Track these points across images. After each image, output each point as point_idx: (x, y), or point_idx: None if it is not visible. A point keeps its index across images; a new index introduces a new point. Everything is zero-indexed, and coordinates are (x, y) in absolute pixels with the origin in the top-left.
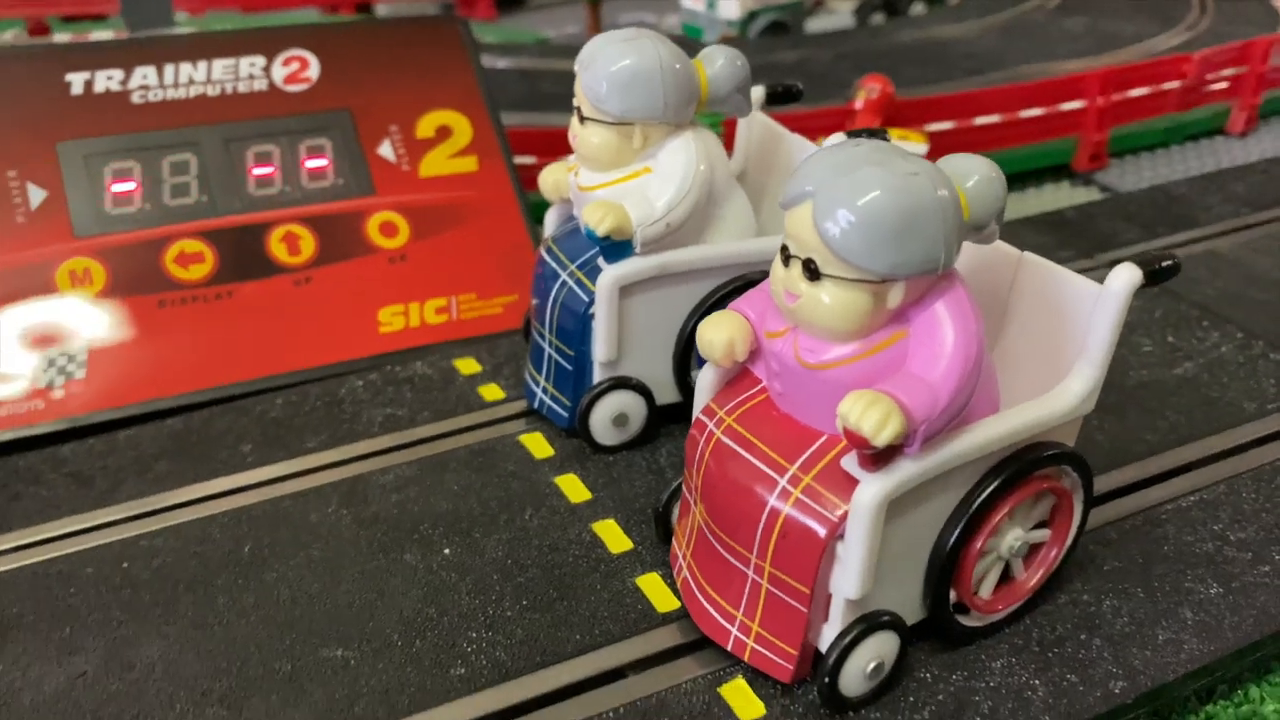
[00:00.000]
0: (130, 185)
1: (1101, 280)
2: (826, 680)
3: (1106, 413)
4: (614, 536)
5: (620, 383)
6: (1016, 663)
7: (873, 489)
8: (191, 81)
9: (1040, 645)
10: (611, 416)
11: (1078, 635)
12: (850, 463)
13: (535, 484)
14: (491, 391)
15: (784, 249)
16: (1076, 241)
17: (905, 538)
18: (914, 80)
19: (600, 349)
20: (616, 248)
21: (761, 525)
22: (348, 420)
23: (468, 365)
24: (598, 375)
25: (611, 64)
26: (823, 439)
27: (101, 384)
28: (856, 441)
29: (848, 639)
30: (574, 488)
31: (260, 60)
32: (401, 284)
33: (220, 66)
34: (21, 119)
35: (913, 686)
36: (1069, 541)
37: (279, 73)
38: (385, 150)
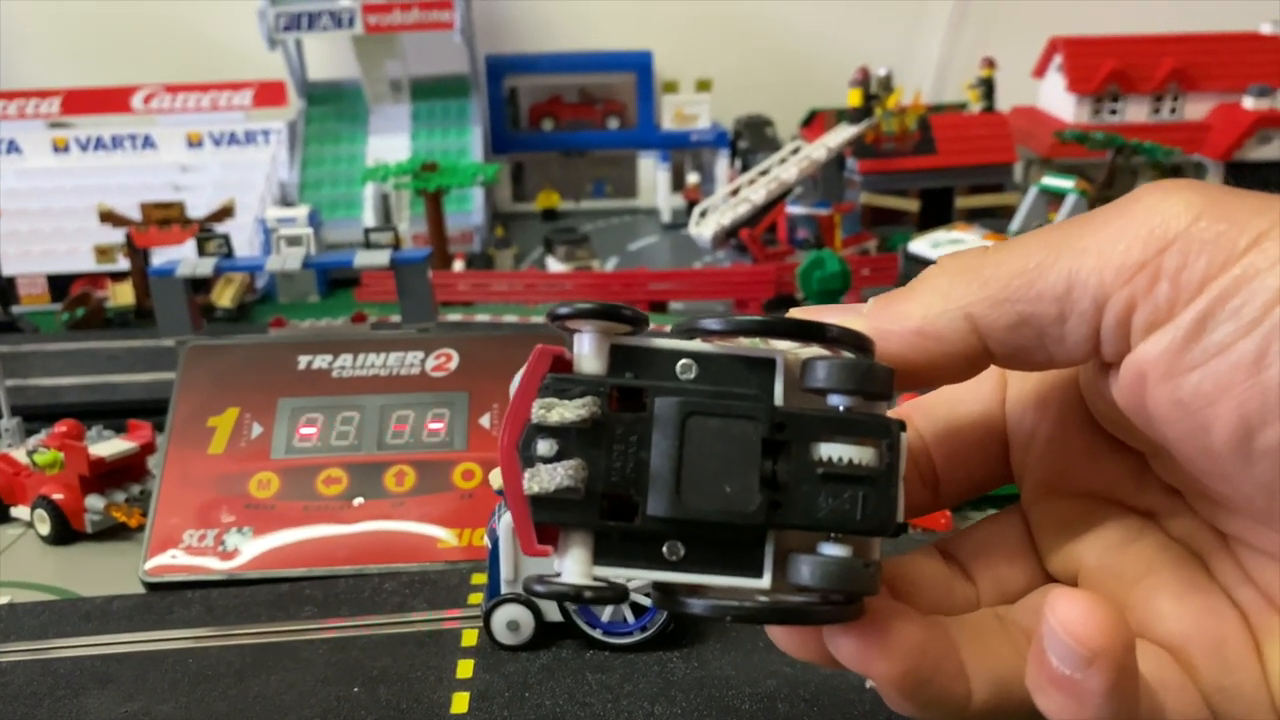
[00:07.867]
0: (312, 430)
1: None
2: None
3: None
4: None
5: (513, 598)
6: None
7: None
8: (372, 365)
9: None
10: (505, 623)
11: None
12: None
13: (439, 665)
14: (479, 596)
15: None
16: None
17: None
18: None
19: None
20: None
21: None
22: (375, 600)
23: (482, 578)
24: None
25: None
26: None
27: (256, 553)
28: None
29: None
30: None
31: (420, 354)
32: (465, 515)
33: (393, 357)
34: (264, 382)
35: None
36: None
37: (430, 363)
38: (484, 420)
